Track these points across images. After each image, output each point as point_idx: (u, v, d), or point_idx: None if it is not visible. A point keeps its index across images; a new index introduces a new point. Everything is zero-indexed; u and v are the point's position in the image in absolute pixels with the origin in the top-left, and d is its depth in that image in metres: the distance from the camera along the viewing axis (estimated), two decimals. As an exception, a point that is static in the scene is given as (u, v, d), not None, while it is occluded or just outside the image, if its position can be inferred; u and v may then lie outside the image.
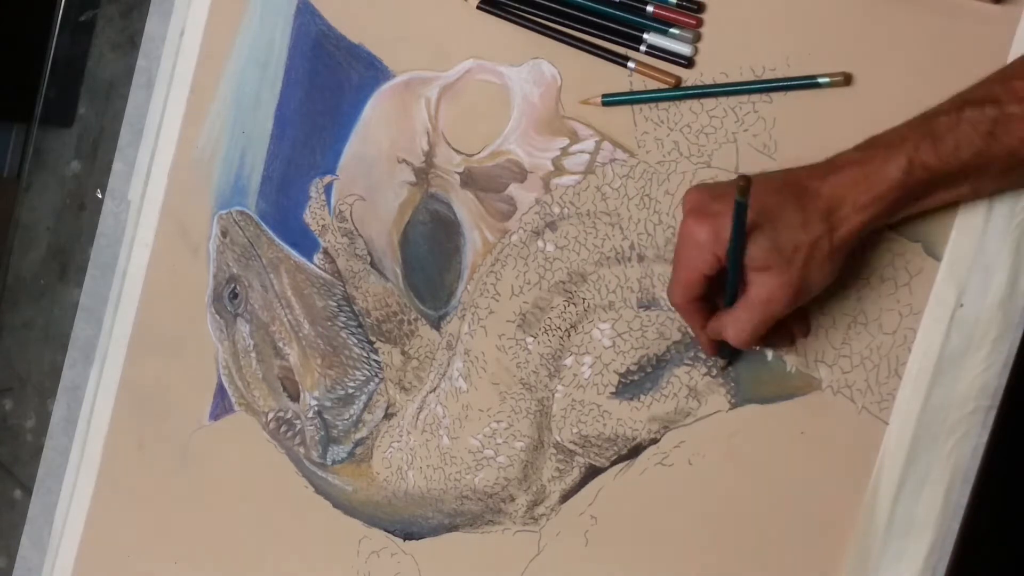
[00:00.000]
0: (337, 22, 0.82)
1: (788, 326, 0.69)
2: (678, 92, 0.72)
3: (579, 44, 0.75)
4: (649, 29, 0.73)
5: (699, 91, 0.72)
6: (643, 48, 0.73)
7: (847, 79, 0.69)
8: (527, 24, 0.76)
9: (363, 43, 0.82)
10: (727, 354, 0.72)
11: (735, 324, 0.64)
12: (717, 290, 0.66)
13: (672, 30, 0.73)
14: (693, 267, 0.65)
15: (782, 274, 0.62)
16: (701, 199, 0.65)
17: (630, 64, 0.73)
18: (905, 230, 0.69)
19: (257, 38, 0.85)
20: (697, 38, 0.72)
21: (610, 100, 0.74)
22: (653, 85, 0.73)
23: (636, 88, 0.74)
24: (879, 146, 0.62)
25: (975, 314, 0.67)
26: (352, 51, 0.82)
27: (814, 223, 0.61)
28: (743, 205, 0.59)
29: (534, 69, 0.77)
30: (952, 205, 0.66)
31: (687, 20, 0.72)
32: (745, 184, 0.58)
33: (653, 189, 0.74)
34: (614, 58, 0.74)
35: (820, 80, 0.69)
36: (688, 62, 0.72)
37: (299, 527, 0.84)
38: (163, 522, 0.89)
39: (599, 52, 0.74)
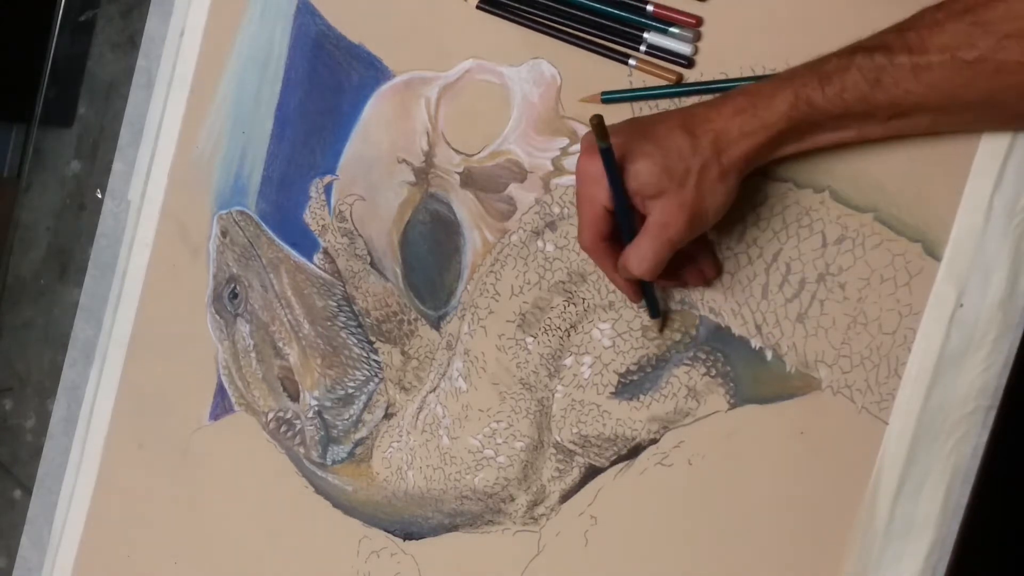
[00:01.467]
0: (337, 22, 0.82)
1: (696, 263, 0.71)
2: (677, 89, 0.72)
3: (579, 42, 0.75)
4: (649, 28, 0.73)
5: (699, 88, 0.72)
6: (643, 48, 0.73)
7: None
8: (527, 23, 0.76)
9: (363, 43, 0.82)
10: (655, 311, 0.72)
11: (636, 253, 0.65)
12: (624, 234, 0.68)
13: (672, 29, 0.73)
14: (592, 202, 0.66)
15: (675, 196, 0.64)
16: (591, 138, 0.66)
17: (631, 61, 0.73)
18: (905, 230, 0.69)
19: (257, 38, 0.85)
20: (697, 37, 0.72)
21: (610, 97, 0.74)
22: (653, 83, 0.73)
23: (636, 88, 0.74)
24: (772, 80, 0.64)
25: (975, 314, 0.67)
26: (352, 51, 0.82)
27: (703, 147, 0.63)
28: (607, 150, 0.62)
29: (534, 69, 0.77)
30: (952, 205, 0.66)
31: (687, 19, 0.72)
32: (597, 121, 0.61)
33: (653, 189, 0.74)
34: (614, 56, 0.74)
35: None
36: (688, 62, 0.72)
37: (299, 527, 0.84)
38: (163, 522, 0.89)
39: (599, 50, 0.74)
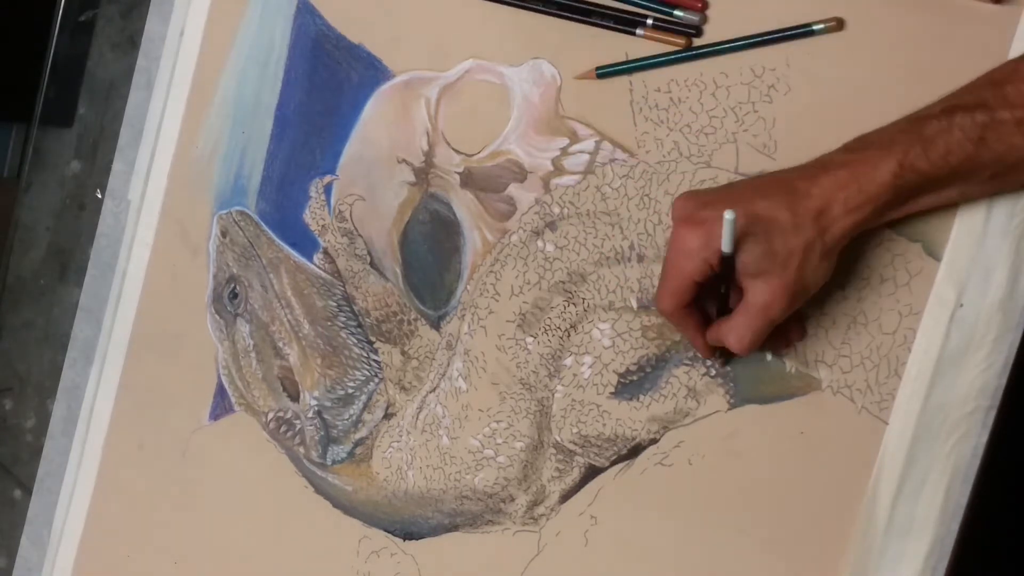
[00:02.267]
0: (337, 22, 0.82)
1: (785, 330, 0.69)
2: (674, 57, 0.72)
3: (582, 18, 0.74)
4: (653, 12, 0.73)
5: (695, 53, 0.72)
6: (650, 22, 0.73)
7: (839, 24, 0.69)
8: (527, 4, 0.76)
9: (363, 43, 0.82)
10: (724, 353, 0.72)
11: (735, 331, 0.64)
12: (704, 295, 0.67)
13: (677, 12, 0.72)
14: (684, 274, 0.65)
15: (778, 278, 0.62)
16: (690, 206, 0.65)
17: (638, 31, 0.73)
18: (905, 230, 0.69)
19: (257, 38, 0.85)
20: (704, 20, 0.72)
21: (605, 72, 0.74)
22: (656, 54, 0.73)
23: (632, 60, 0.73)
24: (870, 147, 0.62)
25: (975, 314, 0.67)
26: (352, 51, 0.82)
27: (806, 226, 0.62)
28: (732, 221, 0.60)
29: (534, 69, 0.77)
30: (951, 207, 0.66)
31: (692, 2, 0.72)
32: (732, 218, 0.60)
33: (653, 189, 0.74)
34: (620, 28, 0.73)
35: (815, 27, 0.69)
36: (696, 31, 0.72)
37: (299, 527, 0.84)
38: (163, 522, 0.89)
39: (604, 24, 0.74)
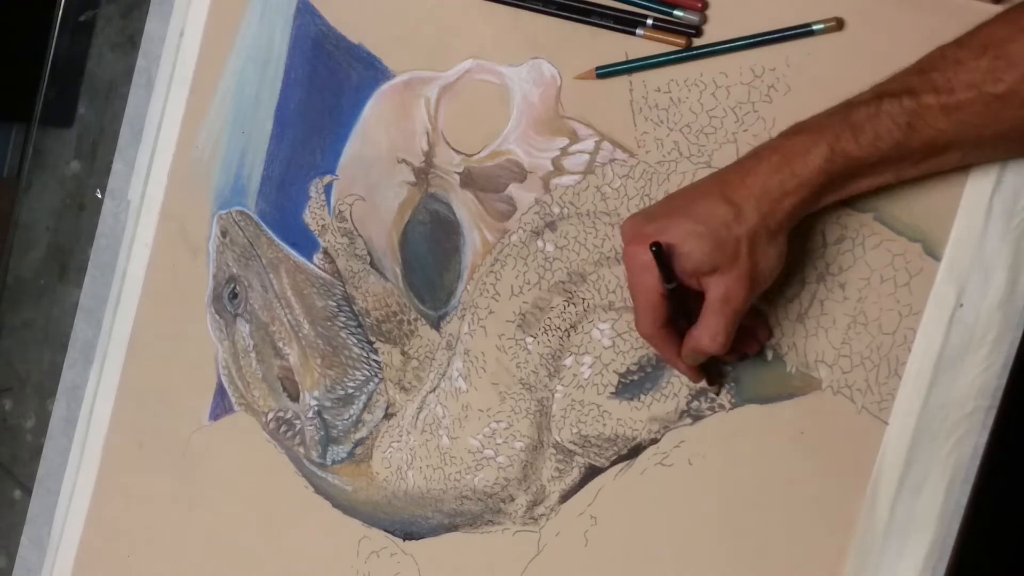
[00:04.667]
0: (337, 22, 0.82)
1: (751, 330, 0.70)
2: (673, 57, 0.72)
3: (582, 18, 0.75)
4: (653, 12, 0.73)
5: (695, 53, 0.72)
6: (650, 22, 0.73)
7: (839, 24, 0.69)
8: (527, 4, 0.76)
9: (363, 43, 0.82)
10: (716, 380, 0.72)
11: (707, 332, 0.65)
12: (679, 317, 0.67)
13: (677, 12, 0.72)
14: (648, 289, 0.66)
15: (732, 269, 0.64)
16: (636, 224, 0.67)
17: (638, 31, 0.73)
18: (905, 230, 0.69)
19: (257, 38, 0.85)
20: (703, 20, 0.72)
21: (605, 72, 0.74)
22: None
23: (632, 59, 0.73)
24: (802, 133, 0.63)
25: (975, 314, 0.67)
26: (352, 51, 0.82)
27: (747, 215, 0.63)
28: (659, 251, 0.64)
29: (534, 69, 0.77)
30: (952, 205, 0.67)
31: (692, 2, 0.72)
32: (656, 249, 0.63)
33: (653, 189, 0.74)
34: (620, 28, 0.74)
35: (815, 27, 0.69)
36: (696, 31, 0.72)
37: (299, 527, 0.84)
38: (163, 522, 0.89)
39: (604, 24, 0.74)
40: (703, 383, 0.72)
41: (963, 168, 0.66)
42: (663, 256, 0.64)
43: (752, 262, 0.64)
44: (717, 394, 0.73)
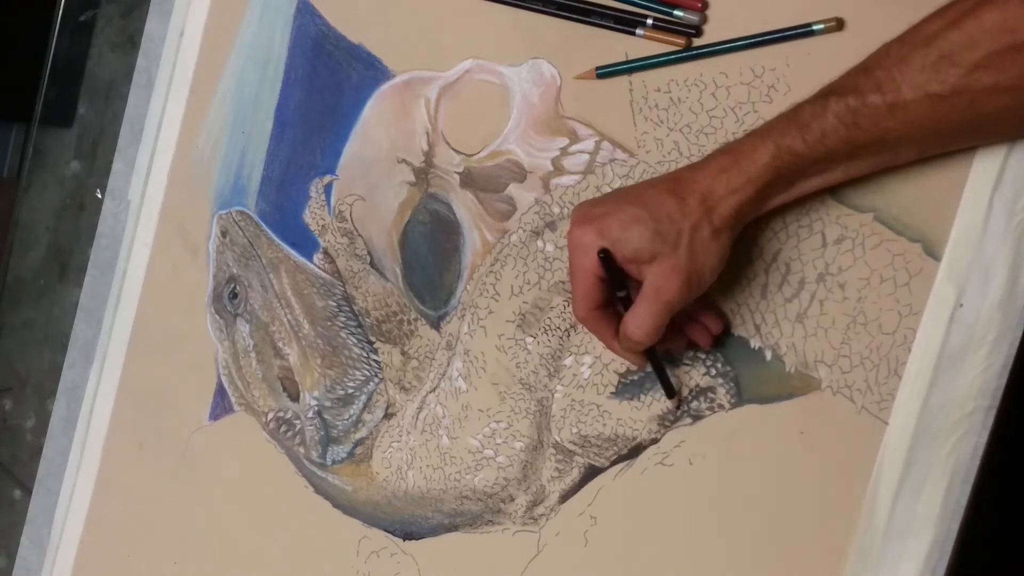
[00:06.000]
0: (337, 22, 0.82)
1: (699, 321, 0.71)
2: (673, 57, 0.72)
3: (582, 18, 0.75)
4: (653, 12, 0.73)
5: (695, 53, 0.72)
6: (650, 22, 0.73)
7: (840, 24, 0.69)
8: (527, 4, 0.76)
9: (363, 43, 0.82)
10: (671, 391, 0.72)
11: (634, 319, 0.66)
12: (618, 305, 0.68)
13: (677, 12, 0.72)
14: (585, 272, 0.66)
15: (669, 259, 0.64)
16: (583, 209, 0.68)
17: (638, 31, 0.73)
18: (905, 230, 0.69)
19: (257, 38, 0.85)
20: (704, 20, 0.72)
21: (605, 72, 0.74)
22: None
23: (632, 59, 0.73)
24: (751, 135, 0.64)
25: (975, 314, 0.67)
26: (352, 51, 0.82)
27: (692, 208, 0.64)
28: (607, 257, 0.65)
29: (534, 69, 0.77)
30: (952, 205, 0.67)
31: (692, 2, 0.72)
32: (604, 255, 0.64)
33: (653, 189, 0.74)
34: (620, 28, 0.74)
35: (815, 27, 0.69)
36: (696, 31, 0.72)
37: (299, 527, 0.84)
38: (163, 522, 0.89)
39: (604, 24, 0.74)
40: (670, 401, 0.73)
41: (963, 168, 0.66)
42: (611, 262, 0.65)
43: (691, 255, 0.64)
44: (676, 407, 0.73)
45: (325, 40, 0.83)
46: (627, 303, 0.66)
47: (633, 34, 0.73)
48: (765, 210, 0.66)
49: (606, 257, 0.64)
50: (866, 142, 0.61)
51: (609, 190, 0.75)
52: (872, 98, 0.60)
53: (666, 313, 0.65)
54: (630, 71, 0.74)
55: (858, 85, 0.61)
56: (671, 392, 0.72)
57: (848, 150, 0.62)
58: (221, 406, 0.87)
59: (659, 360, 0.70)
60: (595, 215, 0.66)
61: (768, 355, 0.72)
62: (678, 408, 0.73)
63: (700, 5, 0.72)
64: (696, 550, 0.73)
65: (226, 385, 0.87)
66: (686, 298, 0.65)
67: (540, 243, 0.77)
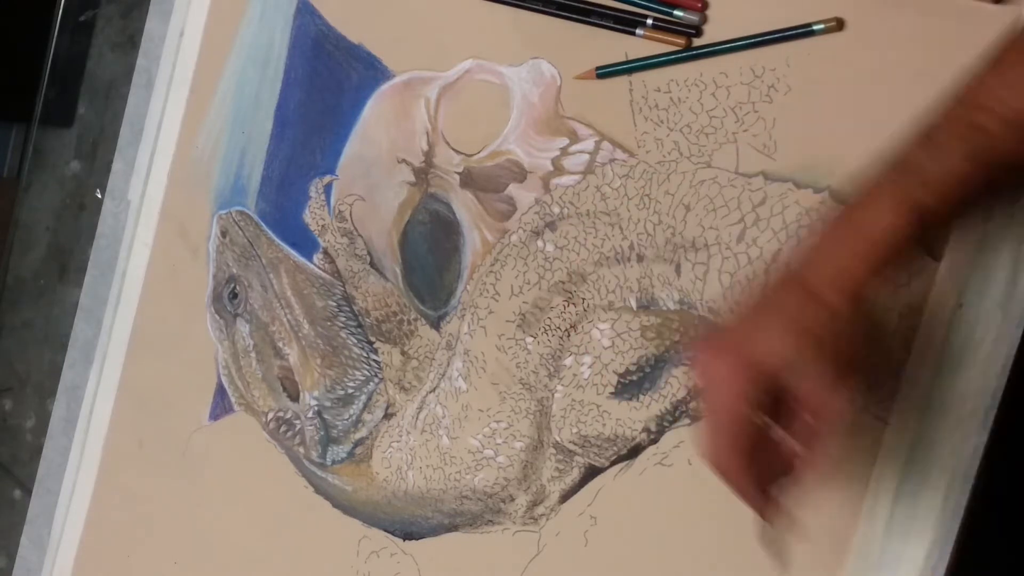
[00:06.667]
0: (337, 22, 0.82)
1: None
2: (673, 57, 0.72)
3: (582, 18, 0.75)
4: (652, 12, 0.73)
5: (695, 53, 0.72)
6: (649, 22, 0.73)
7: (840, 24, 0.69)
8: (526, 4, 0.76)
9: (363, 43, 0.82)
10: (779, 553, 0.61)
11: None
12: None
13: (677, 12, 0.72)
14: (730, 412, 0.55)
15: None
16: (708, 341, 0.61)
17: (638, 32, 0.73)
18: (905, 230, 0.69)
19: (257, 38, 0.85)
20: (704, 20, 0.72)
21: (605, 71, 0.74)
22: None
23: (633, 59, 0.73)
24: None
25: (975, 314, 0.67)
26: (352, 51, 0.82)
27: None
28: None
29: (534, 69, 0.77)
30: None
31: (692, 2, 0.72)
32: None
33: (653, 189, 0.74)
34: (620, 28, 0.74)
35: (815, 27, 0.69)
36: (696, 31, 0.72)
37: (299, 527, 0.84)
38: (163, 522, 0.89)
39: (604, 24, 0.74)
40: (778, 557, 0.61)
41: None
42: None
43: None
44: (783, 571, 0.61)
45: (325, 40, 0.83)
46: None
47: (633, 34, 0.73)
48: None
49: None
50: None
51: (610, 190, 0.75)
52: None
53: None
54: (630, 71, 0.74)
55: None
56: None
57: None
58: (221, 406, 0.87)
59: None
60: (725, 345, 0.56)
61: (768, 355, 0.72)
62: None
63: (700, 5, 0.72)
64: (696, 550, 0.73)
65: (226, 385, 0.87)
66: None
67: (540, 243, 0.77)
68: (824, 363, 0.54)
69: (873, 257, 0.55)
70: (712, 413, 0.56)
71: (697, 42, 0.72)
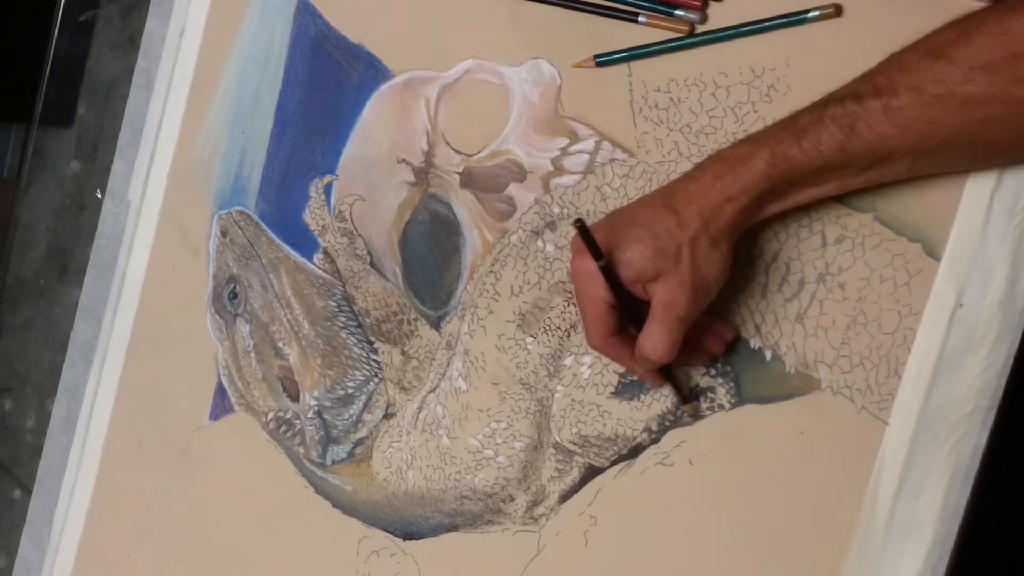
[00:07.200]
0: (337, 22, 0.82)
1: (712, 330, 0.70)
2: (674, 44, 0.72)
3: (582, 7, 0.75)
4: (652, 13, 0.73)
5: (694, 41, 0.72)
6: (645, 20, 0.73)
7: (838, 10, 0.69)
8: None
9: (363, 43, 0.82)
10: (685, 396, 0.72)
11: (649, 339, 0.65)
12: (630, 325, 0.67)
13: (677, 12, 0.72)
14: (594, 300, 0.66)
15: (674, 275, 0.64)
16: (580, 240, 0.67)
17: (641, 19, 0.73)
18: (905, 230, 0.69)
19: (257, 38, 0.85)
20: (703, 19, 0.72)
21: (604, 60, 0.74)
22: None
23: (630, 47, 0.73)
24: (746, 142, 0.64)
25: (975, 314, 0.67)
26: (352, 51, 0.82)
27: (689, 221, 0.64)
28: (605, 267, 0.64)
29: (534, 69, 0.77)
30: (952, 205, 0.67)
31: (692, 1, 0.72)
32: (579, 226, 0.63)
33: (653, 189, 0.74)
34: (621, 15, 0.74)
35: (809, 14, 0.69)
36: (700, 17, 0.72)
37: (299, 527, 0.84)
38: (163, 522, 0.89)
39: (605, 12, 0.74)
40: (684, 406, 0.72)
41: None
42: (610, 272, 0.64)
43: (694, 267, 0.64)
44: (692, 414, 0.73)
45: (325, 40, 0.83)
46: (626, 304, 0.66)
47: (635, 22, 0.73)
48: (761, 218, 0.66)
49: (606, 267, 0.64)
50: (860, 149, 0.61)
51: (609, 190, 0.75)
52: (870, 102, 0.60)
53: (679, 328, 0.65)
54: (629, 59, 0.74)
55: (857, 91, 0.61)
56: (685, 397, 0.72)
57: (842, 159, 0.62)
58: (221, 406, 0.87)
59: (675, 376, 0.71)
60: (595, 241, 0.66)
61: (768, 355, 0.72)
62: (694, 417, 0.73)
63: (700, 4, 0.72)
64: (696, 550, 0.73)
65: (226, 385, 0.87)
66: (695, 310, 0.65)
67: (540, 243, 0.77)
68: (674, 278, 0.64)
69: (740, 198, 0.63)
70: (582, 304, 0.67)
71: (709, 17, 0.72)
